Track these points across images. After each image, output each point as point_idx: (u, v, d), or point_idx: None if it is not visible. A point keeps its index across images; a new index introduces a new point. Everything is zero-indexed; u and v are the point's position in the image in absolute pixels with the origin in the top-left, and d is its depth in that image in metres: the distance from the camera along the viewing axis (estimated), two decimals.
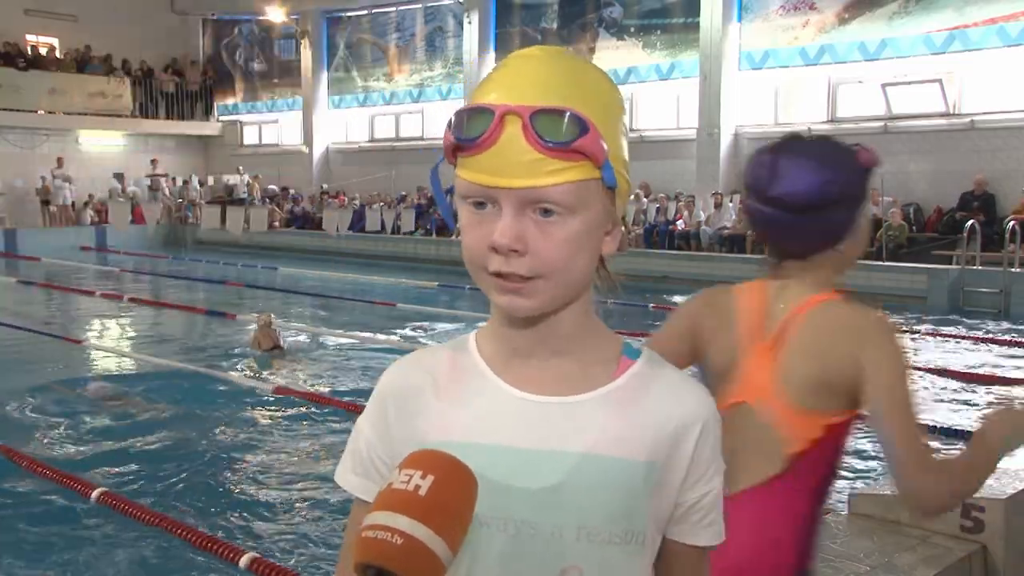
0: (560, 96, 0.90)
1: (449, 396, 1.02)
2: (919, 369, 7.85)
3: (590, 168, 0.91)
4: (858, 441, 5.72)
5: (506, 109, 0.89)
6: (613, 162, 0.92)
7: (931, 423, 6.09)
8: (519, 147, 0.89)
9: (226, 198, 22.95)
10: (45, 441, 5.73)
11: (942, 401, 6.78)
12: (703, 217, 15.74)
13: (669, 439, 0.99)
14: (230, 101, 26.93)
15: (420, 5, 22.55)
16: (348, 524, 1.12)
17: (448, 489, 0.83)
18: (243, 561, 3.62)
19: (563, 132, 0.88)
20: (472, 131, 0.90)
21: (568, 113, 0.89)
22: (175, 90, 26.07)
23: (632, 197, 16.56)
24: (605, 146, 0.90)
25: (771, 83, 16.90)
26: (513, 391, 1.00)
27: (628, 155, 0.98)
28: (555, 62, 0.94)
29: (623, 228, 1.00)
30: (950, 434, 5.78)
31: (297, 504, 4.72)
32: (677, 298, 12.77)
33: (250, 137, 26.77)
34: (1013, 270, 11.47)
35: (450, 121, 0.93)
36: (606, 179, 0.92)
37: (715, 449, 1.01)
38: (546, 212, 0.91)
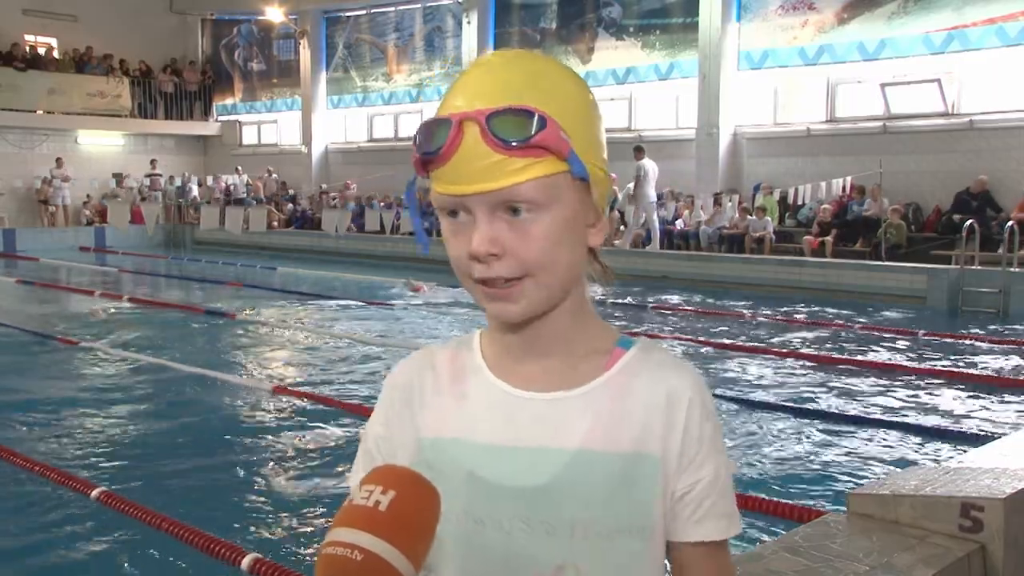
0: (516, 96, 0.91)
1: (446, 392, 1.03)
2: (918, 370, 7.85)
3: (555, 162, 0.91)
4: (857, 440, 5.72)
5: (462, 116, 0.90)
6: (582, 155, 0.92)
7: (930, 425, 6.10)
8: (480, 151, 0.89)
9: (225, 198, 22.96)
10: (43, 441, 5.73)
11: (941, 402, 6.78)
12: (702, 217, 15.74)
13: (659, 424, 0.97)
14: (229, 101, 26.92)
15: (419, 5, 22.54)
16: None
17: (409, 504, 0.83)
18: (245, 562, 3.61)
19: (520, 130, 0.89)
20: (434, 143, 0.92)
21: (523, 110, 0.89)
22: (174, 90, 26.06)
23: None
24: (567, 138, 0.91)
25: (770, 83, 16.90)
26: (506, 388, 1.01)
27: (606, 150, 0.99)
28: (512, 65, 0.95)
29: (607, 220, 1.00)
30: (949, 436, 5.78)
31: (298, 504, 4.72)
32: (676, 298, 12.77)
33: (249, 137, 26.76)
34: (1012, 270, 11.47)
35: (415, 137, 0.94)
36: (575, 171, 0.92)
37: (703, 431, 0.98)
38: (515, 211, 0.91)
